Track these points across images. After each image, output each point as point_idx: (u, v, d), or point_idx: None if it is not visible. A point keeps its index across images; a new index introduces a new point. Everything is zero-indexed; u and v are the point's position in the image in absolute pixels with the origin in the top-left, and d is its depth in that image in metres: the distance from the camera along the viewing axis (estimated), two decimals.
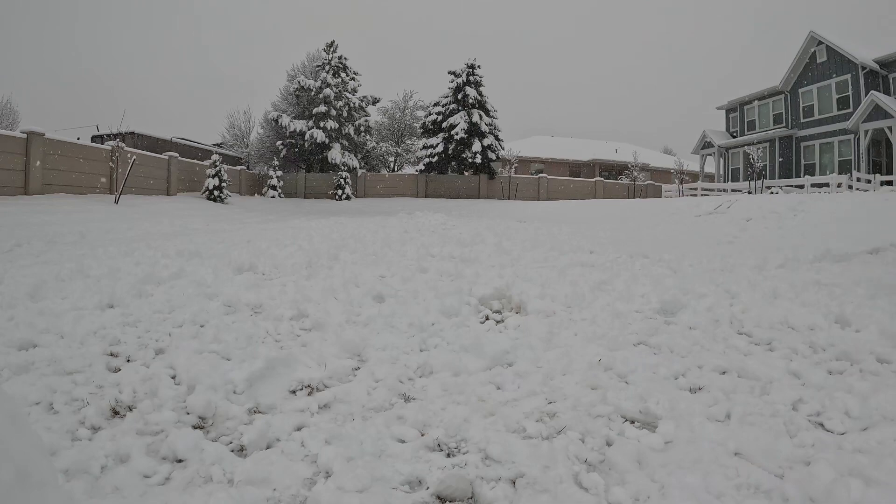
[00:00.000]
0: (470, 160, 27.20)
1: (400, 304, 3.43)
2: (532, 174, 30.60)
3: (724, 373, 2.26)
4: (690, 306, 3.34)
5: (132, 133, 22.86)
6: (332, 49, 27.65)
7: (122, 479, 1.43)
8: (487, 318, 3.21)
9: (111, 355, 2.39)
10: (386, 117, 31.83)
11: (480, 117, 27.27)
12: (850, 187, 16.31)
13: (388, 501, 1.37)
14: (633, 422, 1.82)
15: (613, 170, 34.56)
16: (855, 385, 2.03)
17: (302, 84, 26.65)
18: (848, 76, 20.33)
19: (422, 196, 27.03)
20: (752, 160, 21.42)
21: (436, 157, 27.96)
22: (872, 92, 18.37)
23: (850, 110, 19.87)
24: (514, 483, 1.45)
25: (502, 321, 3.13)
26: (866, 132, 18.71)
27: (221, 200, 18.63)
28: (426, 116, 29.42)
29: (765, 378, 2.16)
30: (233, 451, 1.62)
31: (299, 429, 1.77)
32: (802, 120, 22.48)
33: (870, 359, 2.39)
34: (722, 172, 26.67)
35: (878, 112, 18.19)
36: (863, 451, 1.55)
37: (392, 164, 32.57)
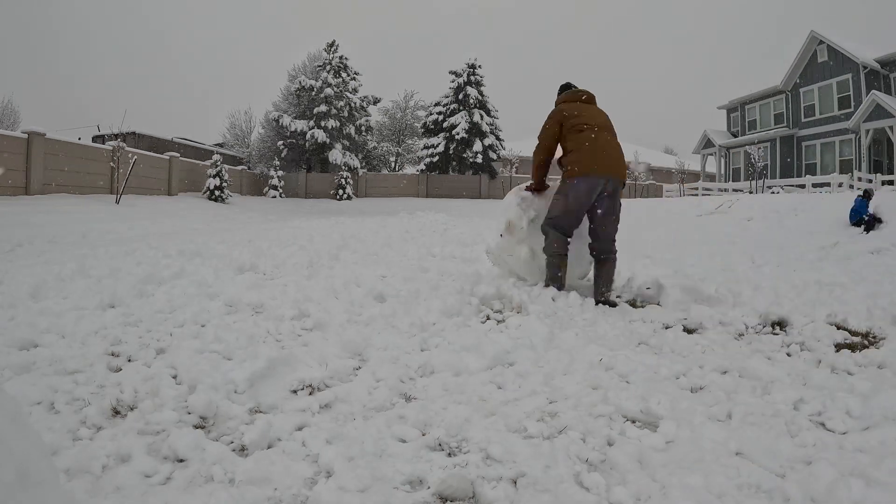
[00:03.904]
0: (471, 160, 27.20)
1: (401, 303, 3.43)
2: None
3: (725, 372, 2.26)
4: (692, 307, 3.33)
5: (133, 133, 22.90)
6: (332, 49, 27.67)
7: (124, 479, 1.43)
8: (489, 318, 3.21)
9: (112, 355, 2.39)
10: (387, 117, 31.85)
11: (481, 117, 27.28)
12: (852, 187, 16.28)
13: (389, 501, 1.37)
14: (634, 421, 1.82)
15: None
16: (856, 385, 2.03)
17: (303, 84, 26.67)
18: (849, 76, 20.31)
19: (423, 196, 27.03)
20: (753, 160, 21.40)
21: (437, 157, 27.97)
22: (873, 91, 18.34)
23: (852, 110, 19.84)
24: (515, 483, 1.45)
25: (503, 321, 3.13)
26: (867, 132, 18.69)
27: (222, 200, 18.65)
28: (427, 116, 29.44)
29: (766, 378, 2.16)
30: (234, 450, 1.62)
31: (300, 428, 1.77)
32: (803, 119, 22.45)
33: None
34: (723, 172, 26.65)
35: (879, 111, 18.17)
36: (864, 451, 1.55)
37: (393, 164, 32.58)
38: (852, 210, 8.70)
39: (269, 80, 76.07)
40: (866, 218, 8.38)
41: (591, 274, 4.10)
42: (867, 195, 8.92)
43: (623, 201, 3.75)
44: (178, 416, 1.80)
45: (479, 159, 26.93)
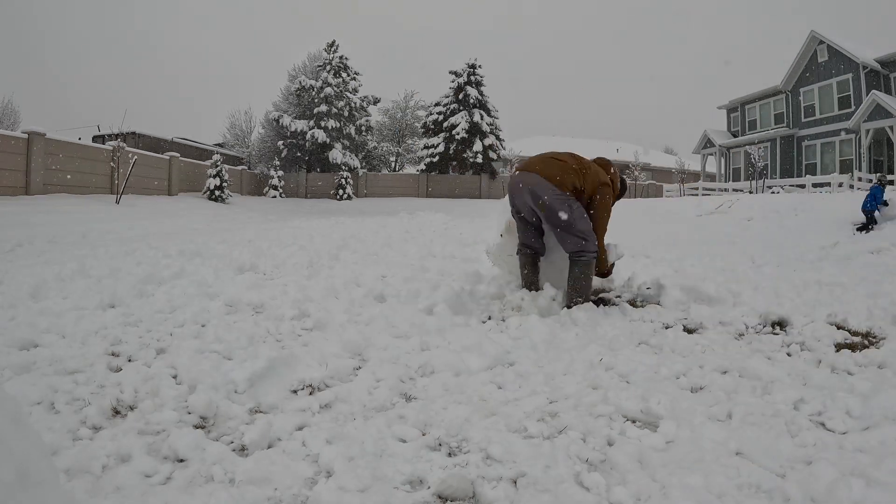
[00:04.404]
0: (471, 160, 27.22)
1: (401, 303, 3.43)
2: None
3: (725, 372, 2.26)
4: (692, 306, 3.33)
5: (133, 133, 22.88)
6: (332, 49, 27.67)
7: (124, 479, 1.43)
8: (489, 318, 3.21)
9: (112, 355, 2.39)
10: (387, 117, 31.81)
11: (481, 117, 27.29)
12: (852, 187, 16.27)
13: (389, 501, 1.37)
14: (634, 421, 1.82)
15: None
16: (856, 385, 2.03)
17: (303, 84, 26.65)
18: (849, 76, 20.30)
19: (423, 196, 27.04)
20: (753, 160, 21.38)
21: (437, 157, 27.99)
22: (874, 91, 18.34)
23: (852, 110, 19.84)
24: (515, 483, 1.45)
25: (504, 321, 3.13)
26: (867, 132, 18.69)
27: (222, 200, 18.65)
28: (427, 116, 29.45)
29: (766, 378, 2.16)
30: (234, 450, 1.62)
31: (300, 428, 1.77)
32: (803, 119, 22.45)
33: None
34: (723, 172, 26.65)
35: (879, 111, 18.16)
36: (864, 451, 1.55)
37: (393, 164, 32.56)
38: (868, 196, 8.88)
39: (270, 81, 76.12)
40: (885, 202, 8.74)
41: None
42: (881, 182, 9.21)
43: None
44: (179, 416, 1.80)
45: (480, 159, 26.94)
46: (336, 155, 26.32)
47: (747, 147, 23.55)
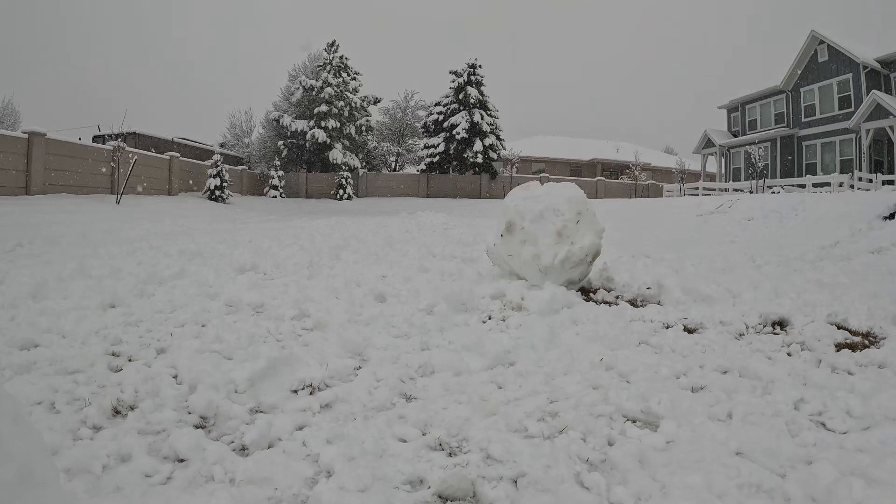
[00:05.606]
0: (471, 160, 27.19)
1: (402, 303, 3.43)
2: (533, 174, 30.58)
3: (725, 372, 2.26)
4: (693, 306, 3.33)
5: (134, 133, 22.85)
6: (333, 49, 27.65)
7: (124, 479, 1.43)
8: (490, 318, 3.21)
9: (113, 355, 2.39)
10: (387, 117, 31.75)
11: (482, 117, 27.27)
12: (852, 187, 16.25)
13: (389, 501, 1.37)
14: (634, 421, 1.82)
15: (615, 169, 34.51)
16: (857, 384, 2.03)
17: (303, 84, 26.64)
18: (849, 75, 20.28)
19: (423, 196, 27.02)
20: (753, 160, 21.36)
21: (437, 157, 27.96)
22: (874, 91, 18.31)
23: (852, 109, 19.81)
24: (515, 482, 1.45)
25: (503, 321, 3.13)
26: (868, 131, 18.66)
27: (223, 200, 18.64)
28: (427, 116, 29.43)
29: (766, 377, 2.16)
30: (234, 450, 1.62)
31: (301, 428, 1.77)
32: (804, 119, 22.42)
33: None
34: (723, 172, 26.63)
35: (879, 111, 18.14)
36: (864, 451, 1.55)
37: (393, 164, 32.52)
38: None
39: (270, 81, 75.98)
40: None
41: (591, 276, 4.10)
42: None
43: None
44: (179, 415, 1.80)
45: (480, 159, 26.92)
46: (336, 155, 26.29)
47: (747, 147, 23.53)
